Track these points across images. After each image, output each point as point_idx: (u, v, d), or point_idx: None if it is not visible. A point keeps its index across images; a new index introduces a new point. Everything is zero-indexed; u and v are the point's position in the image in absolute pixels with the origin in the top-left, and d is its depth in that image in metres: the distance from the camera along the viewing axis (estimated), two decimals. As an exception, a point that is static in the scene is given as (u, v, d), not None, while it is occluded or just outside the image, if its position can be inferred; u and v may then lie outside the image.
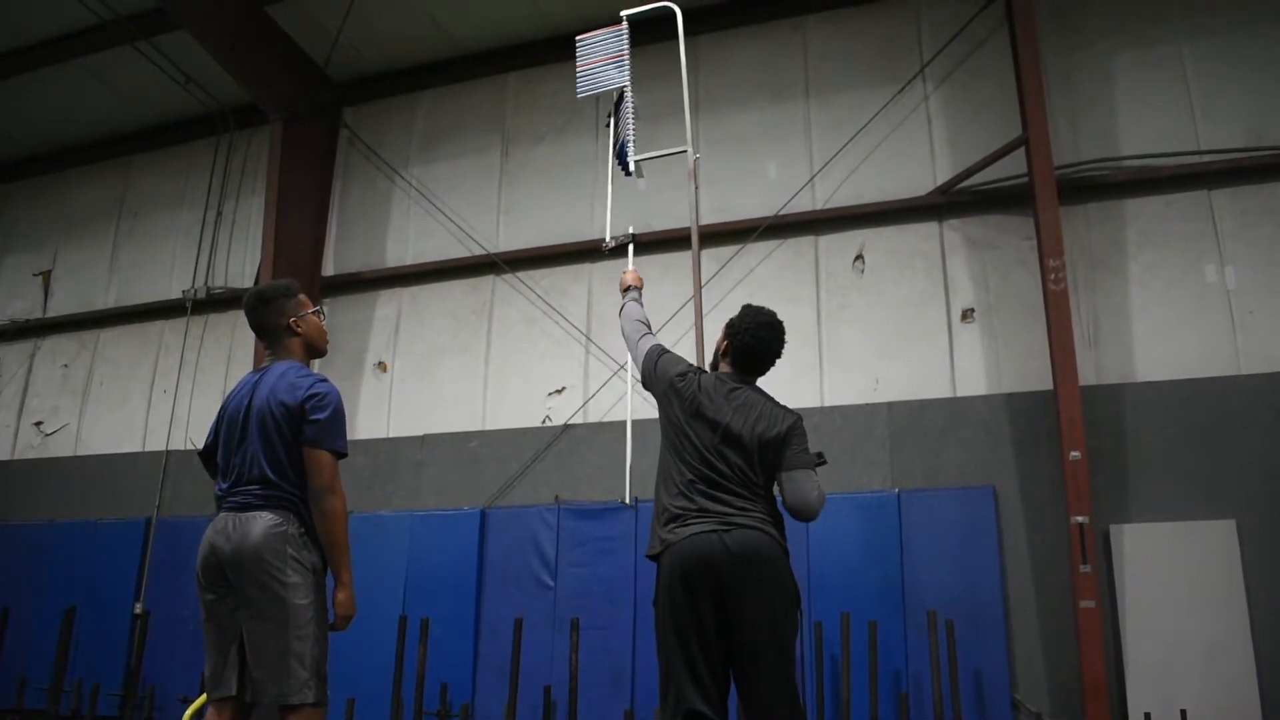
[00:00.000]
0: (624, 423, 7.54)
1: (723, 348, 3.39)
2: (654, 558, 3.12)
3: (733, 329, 3.34)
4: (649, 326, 3.67)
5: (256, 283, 9.46)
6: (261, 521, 3.03)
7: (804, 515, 3.12)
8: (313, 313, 3.43)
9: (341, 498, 3.11)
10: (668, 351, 3.45)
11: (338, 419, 3.16)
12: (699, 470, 3.10)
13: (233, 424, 3.23)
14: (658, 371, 3.37)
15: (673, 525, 3.07)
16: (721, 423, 3.14)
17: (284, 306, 3.34)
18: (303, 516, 3.11)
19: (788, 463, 3.12)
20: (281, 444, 3.11)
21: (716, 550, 2.96)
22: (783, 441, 3.12)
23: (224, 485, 3.20)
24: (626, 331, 3.68)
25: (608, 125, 4.60)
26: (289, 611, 2.97)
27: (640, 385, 3.53)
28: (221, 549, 3.04)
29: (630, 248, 4.30)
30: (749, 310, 3.37)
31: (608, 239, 4.35)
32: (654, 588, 3.12)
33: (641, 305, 3.76)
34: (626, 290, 3.82)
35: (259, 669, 2.96)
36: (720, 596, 2.95)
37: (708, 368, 3.50)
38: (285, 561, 3.01)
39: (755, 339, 3.29)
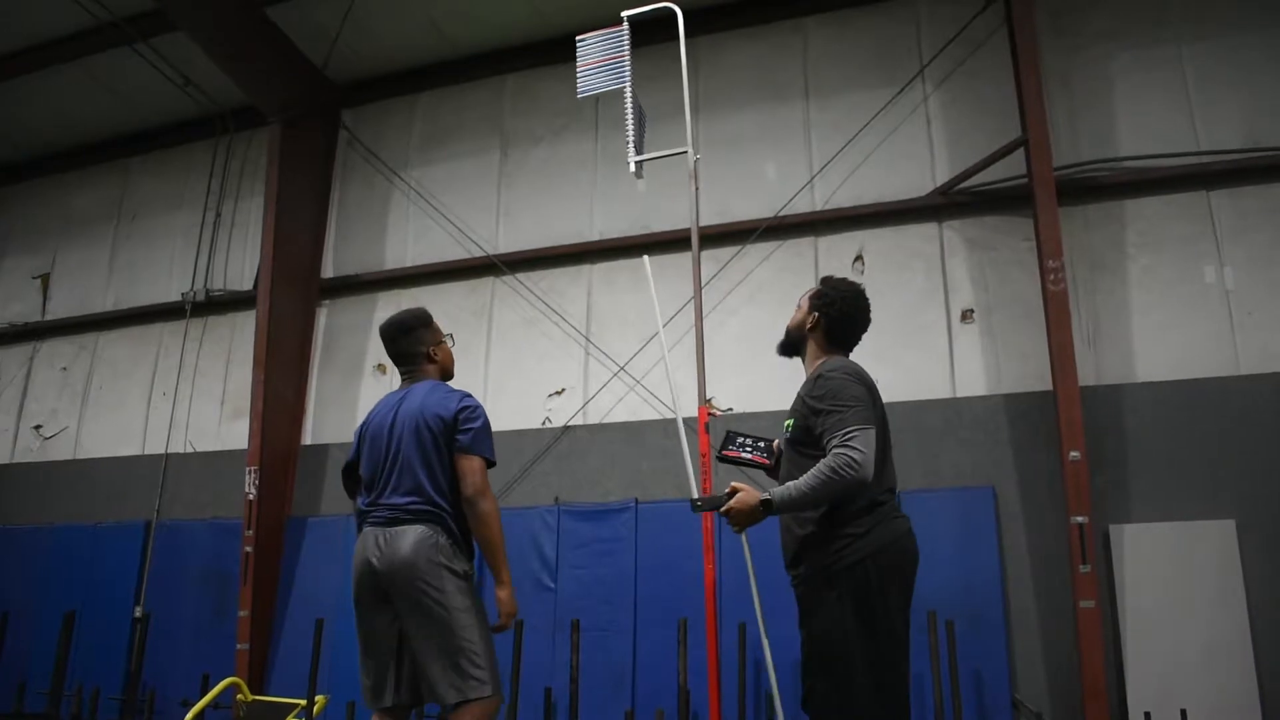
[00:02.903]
0: (624, 424, 7.51)
1: (811, 321, 3.27)
2: (883, 552, 2.97)
3: (826, 300, 3.22)
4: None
5: (255, 285, 9.49)
6: (411, 534, 3.20)
7: None
8: (442, 341, 3.70)
9: (494, 501, 3.32)
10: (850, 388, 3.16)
11: (487, 429, 3.39)
12: (892, 469, 3.16)
13: (376, 440, 3.41)
14: (866, 399, 3.11)
15: (895, 518, 3.06)
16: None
17: (424, 336, 3.62)
18: (449, 527, 3.28)
19: None
20: (436, 454, 3.30)
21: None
22: None
23: (366, 500, 3.36)
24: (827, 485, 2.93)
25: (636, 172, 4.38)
26: (451, 618, 3.13)
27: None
28: (376, 565, 3.19)
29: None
30: (833, 280, 3.31)
31: (695, 495, 3.42)
32: (878, 585, 2.91)
33: None
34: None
35: (432, 674, 3.10)
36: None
37: (777, 347, 3.48)
38: (439, 572, 3.18)
39: (856, 308, 3.26)
